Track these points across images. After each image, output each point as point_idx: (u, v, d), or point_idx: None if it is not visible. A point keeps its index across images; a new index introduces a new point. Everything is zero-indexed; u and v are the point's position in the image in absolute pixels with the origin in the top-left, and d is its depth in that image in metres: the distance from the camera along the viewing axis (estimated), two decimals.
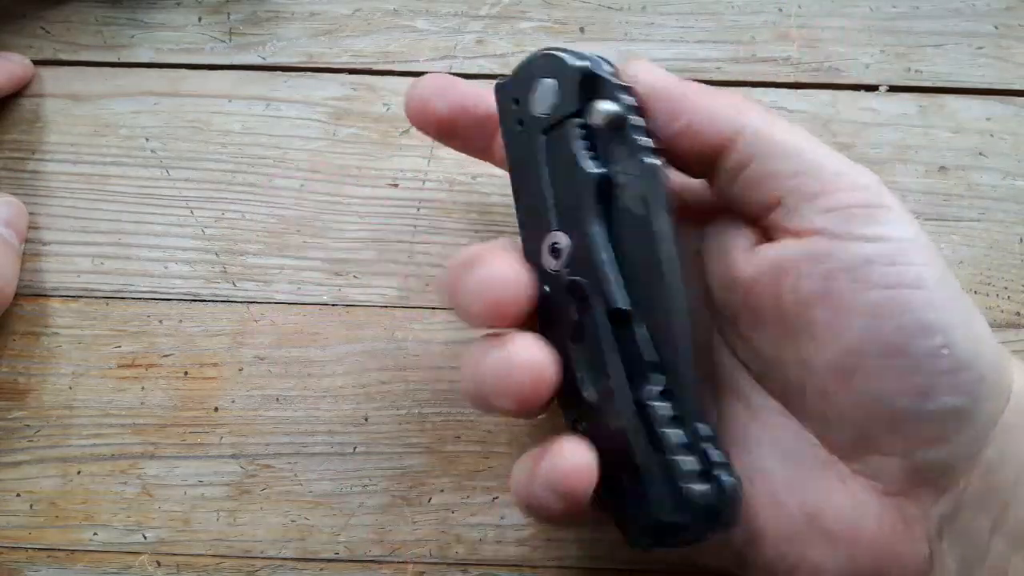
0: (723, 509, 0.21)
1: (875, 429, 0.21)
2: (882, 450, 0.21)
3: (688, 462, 0.21)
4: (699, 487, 0.21)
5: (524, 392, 0.20)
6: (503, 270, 0.21)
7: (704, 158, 0.22)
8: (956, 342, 0.19)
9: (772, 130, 0.21)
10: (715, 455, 0.21)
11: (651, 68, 0.23)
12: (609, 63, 0.23)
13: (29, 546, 0.29)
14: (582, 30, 0.32)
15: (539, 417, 0.24)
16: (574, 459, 0.20)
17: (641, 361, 0.21)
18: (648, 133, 0.22)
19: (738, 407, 0.23)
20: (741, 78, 0.32)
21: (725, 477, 0.21)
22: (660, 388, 0.21)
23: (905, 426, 0.20)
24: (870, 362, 0.20)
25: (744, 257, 0.22)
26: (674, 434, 0.21)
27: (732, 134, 0.21)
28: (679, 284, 0.21)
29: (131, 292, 0.31)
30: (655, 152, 0.22)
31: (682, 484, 0.21)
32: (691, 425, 0.21)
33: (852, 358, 0.20)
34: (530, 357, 0.21)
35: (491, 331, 0.22)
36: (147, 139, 0.32)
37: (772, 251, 0.21)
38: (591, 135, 0.22)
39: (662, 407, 0.21)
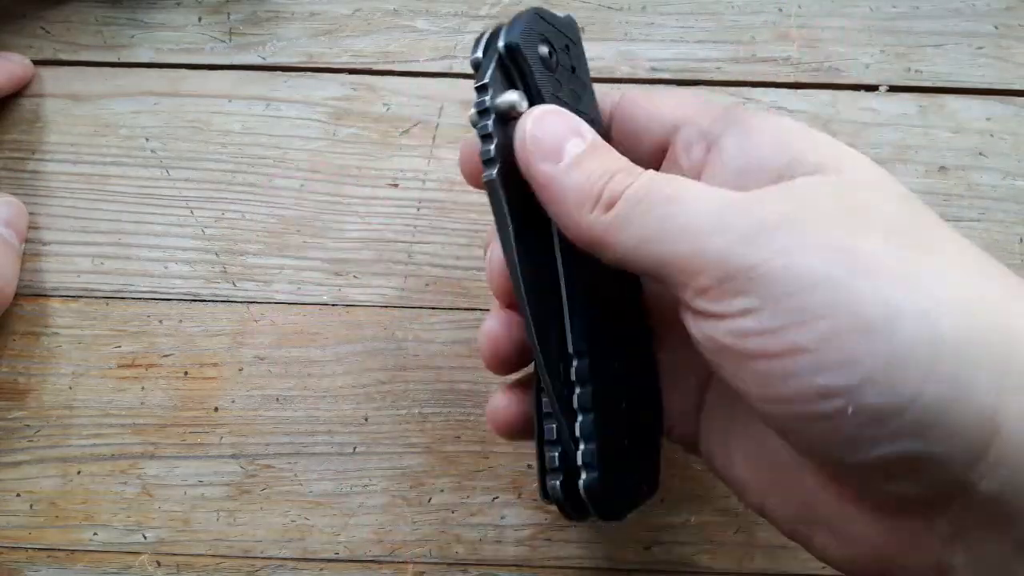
0: (584, 504, 0.22)
1: (828, 471, 0.20)
2: (849, 484, 0.20)
3: (551, 458, 0.23)
4: (551, 482, 0.23)
5: (484, 355, 0.25)
6: (493, 255, 0.24)
7: None
8: (865, 397, 0.17)
9: (619, 234, 0.20)
10: (585, 455, 0.22)
11: (531, 151, 0.21)
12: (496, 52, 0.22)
13: (29, 546, 0.29)
14: (582, 30, 0.32)
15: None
16: (492, 404, 0.25)
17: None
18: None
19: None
20: (741, 78, 0.32)
21: (584, 477, 0.22)
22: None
23: (853, 472, 0.19)
24: (787, 426, 0.19)
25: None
26: (547, 429, 0.23)
27: (590, 245, 0.21)
28: (520, 290, 0.22)
29: (131, 292, 0.31)
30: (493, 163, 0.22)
31: (545, 477, 0.23)
32: (562, 421, 0.22)
33: (772, 423, 0.19)
34: (487, 331, 0.24)
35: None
36: (147, 139, 0.32)
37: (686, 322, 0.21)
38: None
39: (545, 404, 0.23)
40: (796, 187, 0.19)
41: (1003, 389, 0.17)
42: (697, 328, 0.20)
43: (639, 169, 0.21)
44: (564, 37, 0.23)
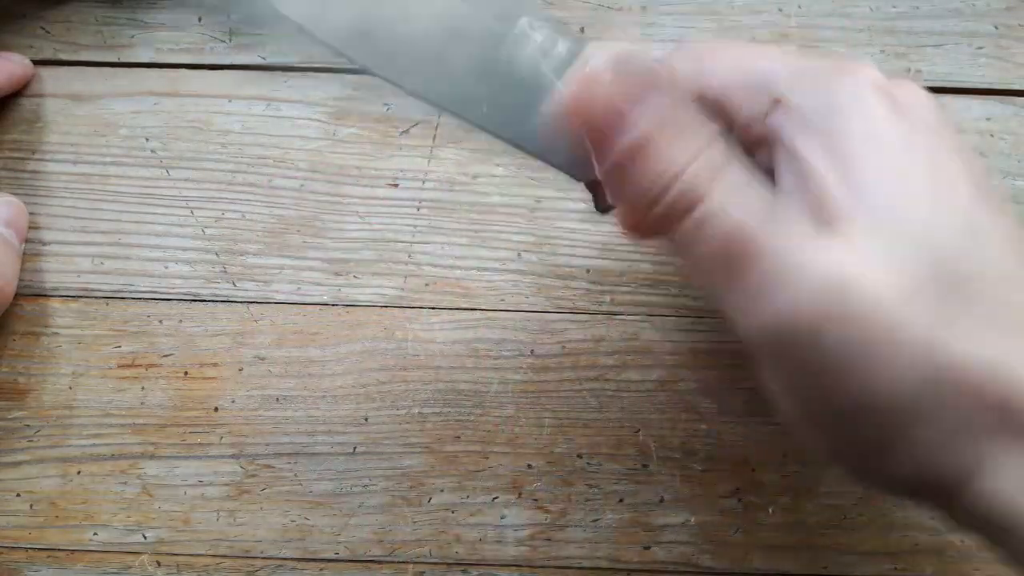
0: None
1: None
2: None
3: None
4: None
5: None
6: None
7: None
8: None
9: None
10: None
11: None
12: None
13: (29, 546, 0.29)
14: (582, 30, 0.32)
15: None
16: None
17: None
18: None
19: None
20: None
21: None
22: None
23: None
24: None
25: None
26: None
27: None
28: None
29: (131, 292, 0.31)
30: None
31: None
32: None
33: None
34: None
35: None
36: (147, 139, 0.32)
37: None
38: None
39: None
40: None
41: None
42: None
43: (711, 167, 0.18)
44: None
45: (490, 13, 0.21)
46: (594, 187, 0.21)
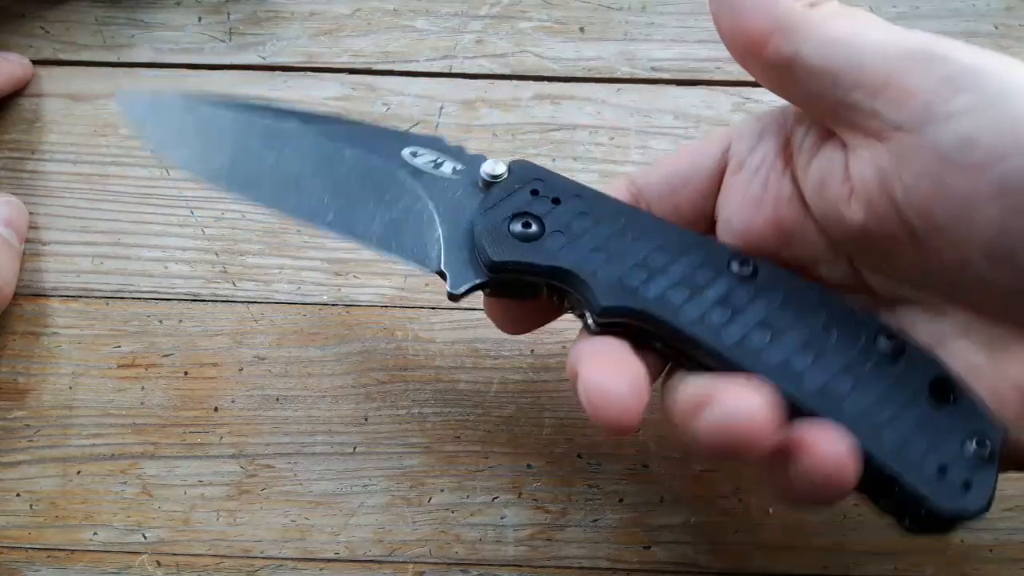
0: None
1: None
2: None
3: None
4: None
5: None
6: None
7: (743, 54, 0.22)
8: None
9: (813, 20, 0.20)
10: None
11: None
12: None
13: (29, 546, 0.29)
14: (582, 30, 0.33)
15: None
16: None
17: None
18: None
19: (918, 315, 0.21)
20: (741, 78, 0.32)
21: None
22: None
23: None
24: (1020, 241, 0.18)
25: (843, 202, 0.20)
26: None
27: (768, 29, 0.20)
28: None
29: (131, 292, 0.31)
30: None
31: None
32: None
33: (1002, 244, 0.18)
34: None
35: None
36: None
37: (864, 174, 0.19)
38: None
39: None
40: None
41: None
42: (897, 149, 0.18)
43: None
44: (529, 186, 0.23)
45: (371, 154, 0.24)
46: (441, 275, 0.23)
